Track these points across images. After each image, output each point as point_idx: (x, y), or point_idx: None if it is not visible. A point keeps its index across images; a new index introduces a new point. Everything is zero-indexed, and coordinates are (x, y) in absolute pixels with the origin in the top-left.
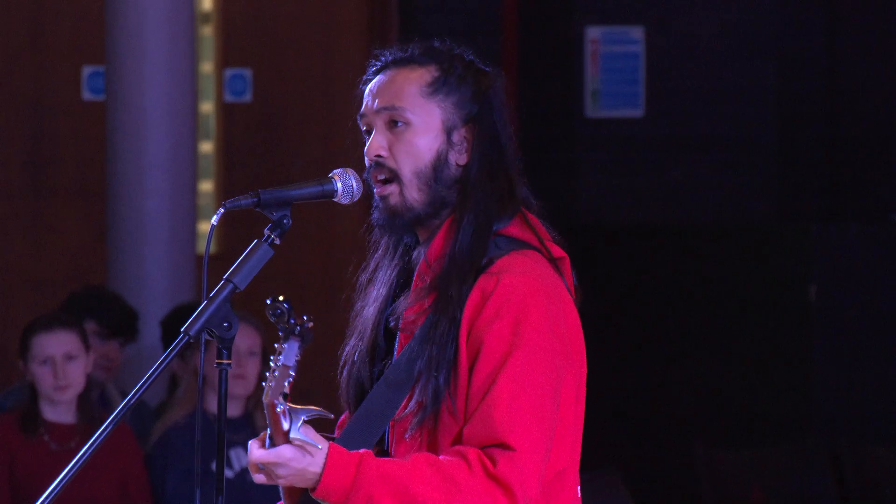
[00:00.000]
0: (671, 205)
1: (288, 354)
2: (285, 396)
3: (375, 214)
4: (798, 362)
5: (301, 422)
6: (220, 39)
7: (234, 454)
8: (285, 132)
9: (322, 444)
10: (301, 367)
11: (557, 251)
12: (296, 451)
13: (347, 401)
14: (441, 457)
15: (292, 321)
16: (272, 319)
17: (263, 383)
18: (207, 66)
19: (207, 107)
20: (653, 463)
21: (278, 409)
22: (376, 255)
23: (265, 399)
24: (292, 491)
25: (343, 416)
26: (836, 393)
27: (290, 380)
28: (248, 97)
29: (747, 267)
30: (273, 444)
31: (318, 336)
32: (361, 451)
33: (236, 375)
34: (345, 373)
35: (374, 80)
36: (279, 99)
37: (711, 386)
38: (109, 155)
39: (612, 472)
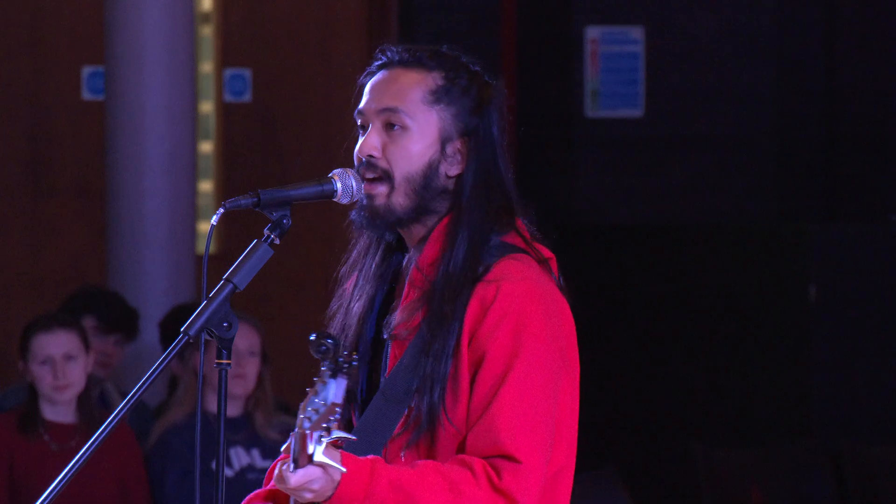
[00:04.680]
0: (671, 205)
1: (337, 392)
2: (327, 430)
3: (355, 212)
4: (798, 362)
5: (324, 445)
6: (219, 39)
7: (234, 453)
8: (285, 132)
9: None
10: (294, 363)
11: (545, 252)
12: (319, 470)
13: None
14: (446, 465)
15: (341, 359)
16: (317, 356)
17: (300, 415)
18: (207, 67)
19: (207, 107)
20: (652, 462)
21: (307, 435)
22: (358, 248)
23: (299, 430)
24: None
25: None
26: (836, 393)
27: (338, 416)
28: (247, 97)
29: (747, 267)
30: (298, 467)
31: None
32: (371, 457)
33: (236, 375)
34: None
35: (376, 77)
36: (279, 99)
37: (711, 386)
38: (109, 155)
39: (610, 472)
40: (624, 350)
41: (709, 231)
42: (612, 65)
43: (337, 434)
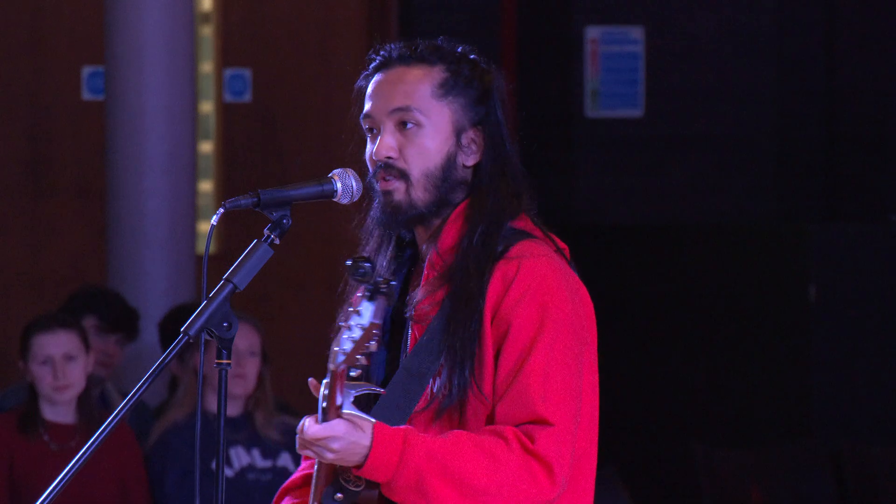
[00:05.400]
0: (671, 205)
1: (376, 312)
2: (368, 357)
3: (375, 210)
4: (798, 362)
5: (352, 397)
6: (219, 39)
7: (234, 453)
8: (285, 132)
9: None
10: (294, 363)
11: (560, 242)
12: (348, 424)
13: None
14: (477, 434)
15: (379, 279)
16: (355, 279)
17: (333, 349)
18: (207, 67)
19: (207, 107)
20: (652, 462)
21: (340, 375)
22: (368, 248)
23: (335, 365)
24: (319, 483)
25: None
26: (836, 393)
27: (377, 337)
28: (247, 97)
29: (747, 267)
30: (326, 419)
31: (320, 333)
32: (403, 427)
33: (236, 375)
34: None
35: (378, 77)
36: (279, 99)
37: (711, 386)
38: (109, 155)
39: (610, 472)
40: (624, 350)
41: (709, 231)
42: (612, 65)
43: (363, 388)
